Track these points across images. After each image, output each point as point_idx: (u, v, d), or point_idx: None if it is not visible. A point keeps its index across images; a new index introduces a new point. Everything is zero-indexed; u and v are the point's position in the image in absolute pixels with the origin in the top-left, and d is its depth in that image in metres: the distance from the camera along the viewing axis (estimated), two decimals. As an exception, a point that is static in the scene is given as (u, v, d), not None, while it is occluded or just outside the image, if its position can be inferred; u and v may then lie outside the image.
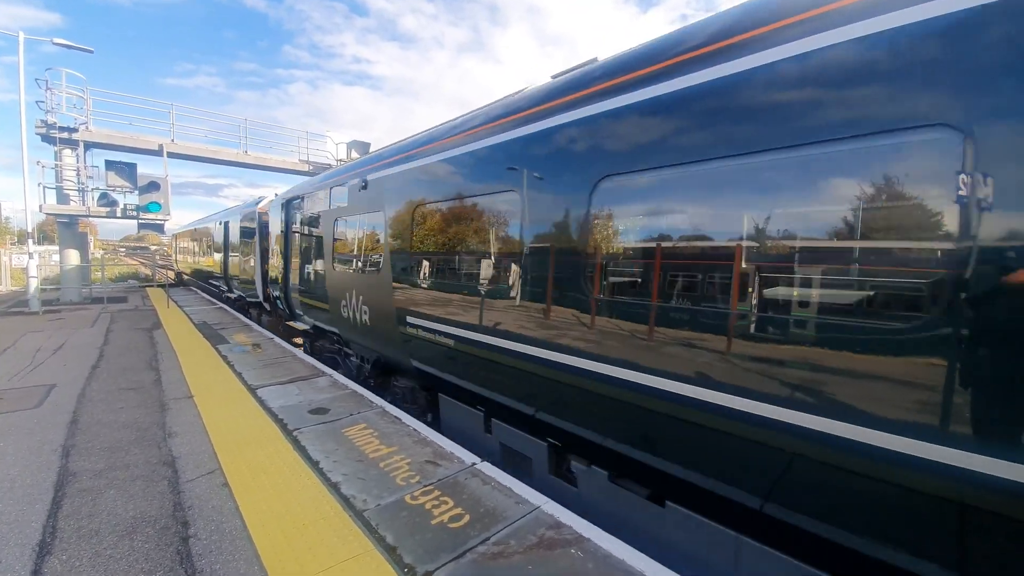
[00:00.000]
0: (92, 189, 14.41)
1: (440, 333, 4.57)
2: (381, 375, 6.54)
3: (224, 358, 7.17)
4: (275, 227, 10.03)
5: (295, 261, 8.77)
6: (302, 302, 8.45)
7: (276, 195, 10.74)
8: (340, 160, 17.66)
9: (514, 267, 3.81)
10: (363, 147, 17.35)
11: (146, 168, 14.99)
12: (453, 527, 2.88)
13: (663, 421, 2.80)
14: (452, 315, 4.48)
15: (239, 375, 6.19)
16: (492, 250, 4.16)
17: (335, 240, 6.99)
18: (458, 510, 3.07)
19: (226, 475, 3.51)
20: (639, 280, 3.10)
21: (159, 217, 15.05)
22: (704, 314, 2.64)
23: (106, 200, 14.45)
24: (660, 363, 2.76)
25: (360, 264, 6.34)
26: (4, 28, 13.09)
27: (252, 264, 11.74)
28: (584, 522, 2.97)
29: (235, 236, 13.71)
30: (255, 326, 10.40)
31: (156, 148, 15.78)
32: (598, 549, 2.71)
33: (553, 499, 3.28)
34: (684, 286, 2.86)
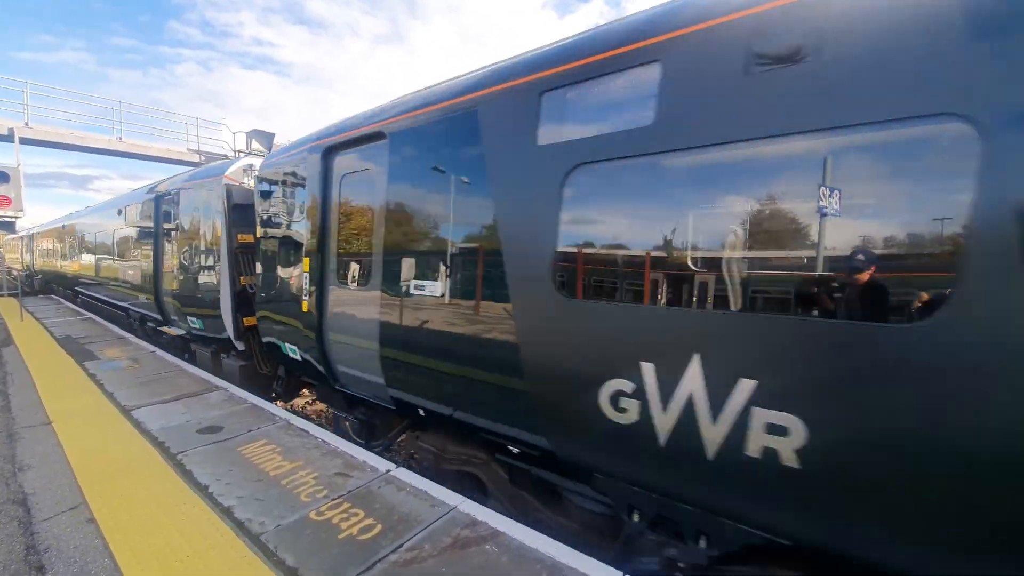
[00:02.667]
0: (-93, 179, 11.76)
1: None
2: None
3: (92, 377, 6.22)
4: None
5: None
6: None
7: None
8: (238, 151, 16.10)
9: None
10: (266, 138, 15.96)
11: (-14, 155, 12.56)
12: (363, 539, 2.76)
13: None
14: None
15: (110, 396, 5.40)
16: None
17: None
18: (369, 520, 2.95)
19: (92, 510, 3.05)
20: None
21: (8, 213, 12.71)
22: None
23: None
24: None
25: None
26: None
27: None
28: (500, 517, 3.00)
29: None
30: (131, 338, 9.15)
31: (5, 133, 13.29)
32: (512, 541, 2.75)
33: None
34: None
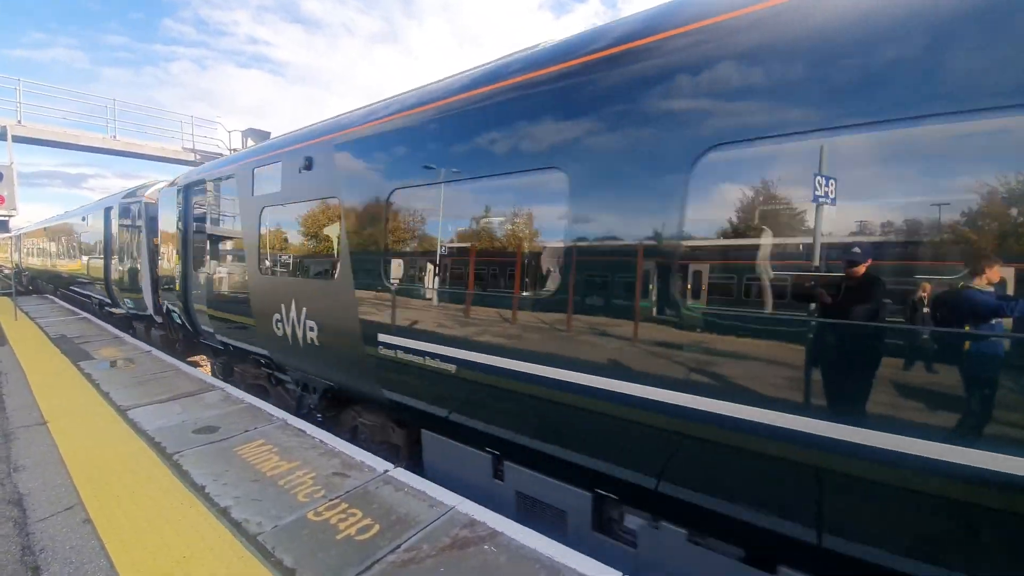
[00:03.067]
0: (-102, 177, 11.65)
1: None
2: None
3: (88, 377, 6.18)
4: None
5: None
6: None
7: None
8: (234, 149, 16.04)
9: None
10: (261, 136, 15.89)
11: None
12: (361, 539, 2.75)
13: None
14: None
15: (106, 395, 5.37)
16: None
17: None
18: (367, 521, 2.94)
19: (88, 510, 3.03)
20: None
21: (1, 212, 12.62)
22: None
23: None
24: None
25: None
26: None
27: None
28: (498, 516, 3.00)
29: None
30: (127, 338, 9.11)
31: (-5, 130, 13.20)
32: (511, 542, 2.75)
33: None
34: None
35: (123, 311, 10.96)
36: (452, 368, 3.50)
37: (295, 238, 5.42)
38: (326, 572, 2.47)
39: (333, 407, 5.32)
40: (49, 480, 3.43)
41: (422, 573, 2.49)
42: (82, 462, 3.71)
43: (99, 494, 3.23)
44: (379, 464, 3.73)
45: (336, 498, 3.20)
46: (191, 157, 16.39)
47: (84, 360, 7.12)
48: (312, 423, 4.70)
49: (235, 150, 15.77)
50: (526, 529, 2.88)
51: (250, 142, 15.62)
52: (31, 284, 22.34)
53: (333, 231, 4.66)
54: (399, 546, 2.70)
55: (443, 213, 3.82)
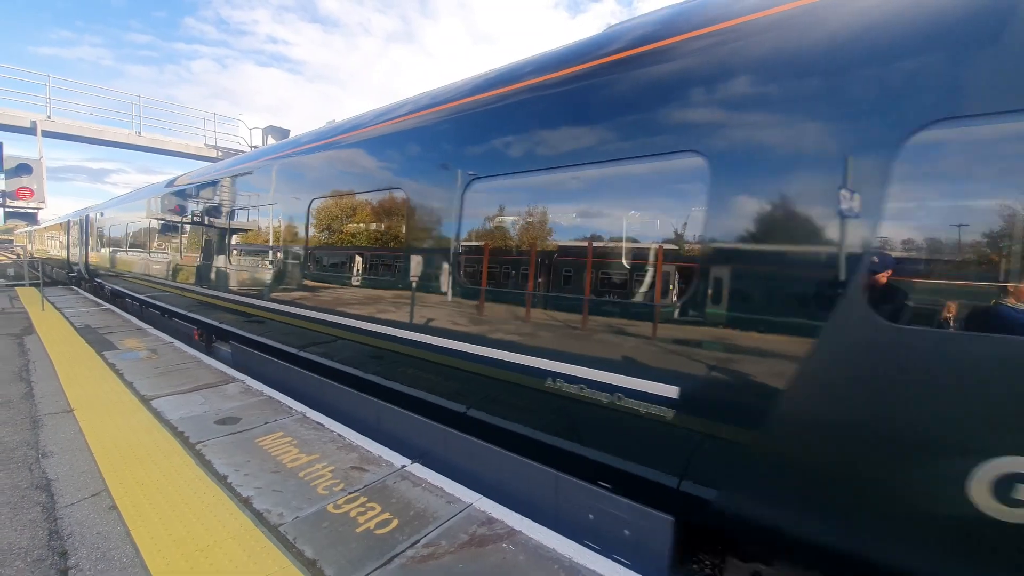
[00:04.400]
0: (-65, 170, 12.10)
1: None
2: None
3: (112, 366, 6.32)
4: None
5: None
6: None
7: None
8: (254, 146, 16.28)
9: None
10: (281, 133, 16.12)
11: (15, 148, 12.83)
12: (380, 533, 2.76)
13: None
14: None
15: (130, 385, 5.48)
16: None
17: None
18: (386, 515, 2.95)
19: (114, 497, 3.09)
20: None
21: (30, 204, 12.99)
22: None
23: (-43, 184, 12.20)
24: None
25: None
26: None
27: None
28: (516, 515, 2.98)
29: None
30: (150, 329, 9.30)
31: (28, 125, 13.58)
32: (529, 540, 2.73)
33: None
34: None
35: (74, 275, 17.86)
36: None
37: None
38: (346, 564, 2.48)
39: None
40: (76, 466, 3.51)
41: (441, 569, 2.48)
42: (108, 450, 3.79)
43: (124, 481, 3.30)
44: (397, 459, 3.74)
45: (355, 492, 3.22)
46: (213, 153, 16.68)
47: (108, 350, 7.28)
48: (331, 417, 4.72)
49: (255, 147, 16.00)
50: (545, 529, 2.86)
51: (270, 139, 15.85)
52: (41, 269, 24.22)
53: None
54: (417, 541, 2.70)
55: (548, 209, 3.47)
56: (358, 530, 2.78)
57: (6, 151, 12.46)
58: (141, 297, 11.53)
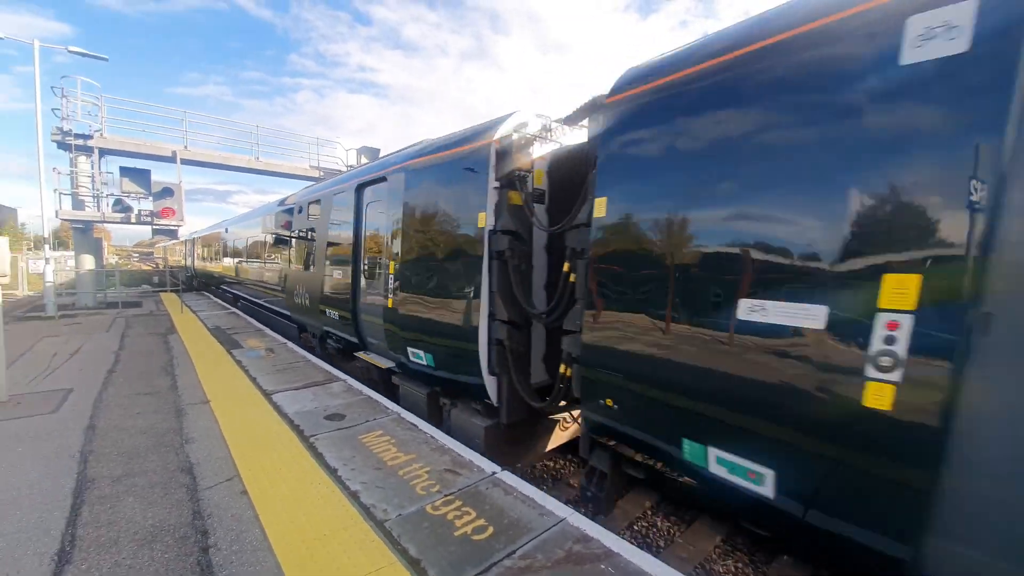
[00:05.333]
0: (107, 195, 14.58)
1: None
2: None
3: (239, 363, 7.15)
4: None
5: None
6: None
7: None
8: (350, 166, 17.72)
9: None
10: (372, 152, 17.42)
11: (160, 175, 15.15)
12: (477, 539, 2.80)
13: None
14: None
15: (254, 380, 6.16)
16: None
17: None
18: (481, 521, 2.98)
19: (244, 483, 3.45)
20: None
21: (172, 222, 15.21)
22: None
23: (120, 206, 14.61)
24: None
25: None
26: (18, 37, 13.24)
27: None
28: (613, 536, 2.87)
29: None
30: (267, 331, 10.40)
31: (169, 155, 15.95)
32: (628, 564, 2.61)
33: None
34: None
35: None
36: None
37: None
38: (448, 568, 2.54)
39: None
40: (213, 452, 3.98)
41: (540, 582, 2.45)
42: (238, 438, 4.26)
43: (252, 468, 3.68)
44: (487, 465, 3.79)
45: (451, 495, 3.30)
46: (316, 173, 18.41)
47: (235, 349, 8.26)
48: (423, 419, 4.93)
49: (351, 166, 17.41)
50: (643, 553, 2.72)
51: (363, 159, 17.18)
52: (192, 280, 27.47)
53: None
54: (514, 552, 2.70)
55: None
56: (456, 534, 2.84)
57: (153, 177, 14.76)
58: (233, 294, 15.50)
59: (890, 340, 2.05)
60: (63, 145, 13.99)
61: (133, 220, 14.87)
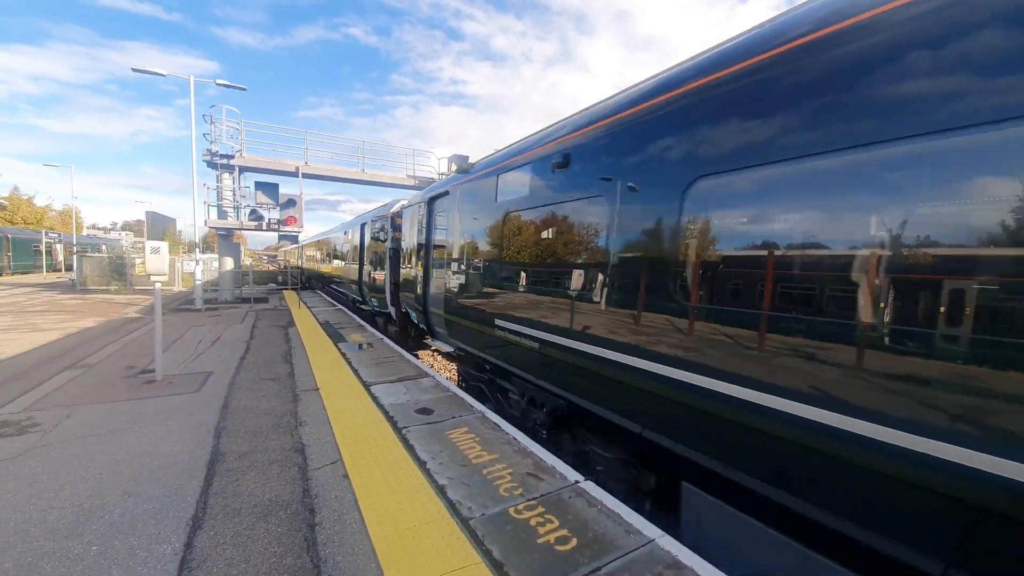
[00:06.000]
0: (244, 206, 16.91)
1: None
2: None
3: (343, 355, 7.82)
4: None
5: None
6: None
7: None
8: (442, 173, 18.64)
9: None
10: (462, 160, 18.11)
11: (284, 188, 17.26)
12: (560, 550, 2.72)
13: None
14: None
15: (355, 371, 6.69)
16: None
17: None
18: (564, 531, 2.90)
19: (346, 467, 3.72)
20: None
21: (294, 229, 17.21)
22: None
23: (255, 216, 16.88)
24: None
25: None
26: (177, 74, 15.95)
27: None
28: (710, 567, 2.61)
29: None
30: (368, 327, 11.27)
31: (293, 170, 18.04)
32: (727, 598, 2.36)
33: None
34: None
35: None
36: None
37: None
38: (530, 575, 2.49)
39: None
40: (321, 436, 4.36)
41: (627, 605, 2.31)
42: (341, 425, 4.63)
43: (352, 454, 3.96)
44: (569, 473, 3.69)
45: (533, 500, 3.26)
46: (411, 182, 19.63)
47: (340, 342, 9.06)
48: (506, 420, 4.96)
49: (444, 174, 18.33)
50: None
51: (453, 166, 18.00)
52: (307, 281, 30.51)
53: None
54: (599, 569, 2.57)
55: None
56: (539, 541, 2.79)
57: (280, 190, 16.88)
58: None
59: None
60: (211, 164, 16.49)
61: (264, 227, 17.07)
